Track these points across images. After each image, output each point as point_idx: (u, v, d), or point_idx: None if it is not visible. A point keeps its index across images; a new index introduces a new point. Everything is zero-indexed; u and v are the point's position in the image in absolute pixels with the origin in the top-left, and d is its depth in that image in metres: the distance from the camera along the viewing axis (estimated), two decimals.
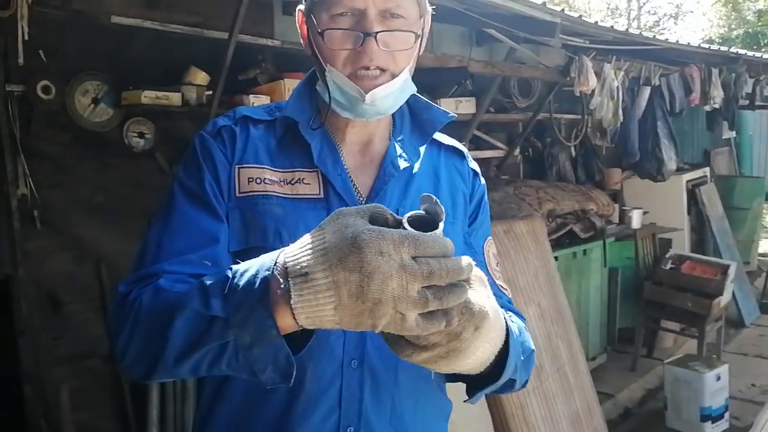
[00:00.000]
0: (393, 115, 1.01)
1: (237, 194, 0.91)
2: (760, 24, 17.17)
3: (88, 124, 2.56)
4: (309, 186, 0.94)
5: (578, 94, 3.76)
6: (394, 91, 0.91)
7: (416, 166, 1.01)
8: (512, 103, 4.17)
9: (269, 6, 2.93)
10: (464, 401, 0.93)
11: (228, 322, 0.69)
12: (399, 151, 1.00)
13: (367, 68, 0.89)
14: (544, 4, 2.53)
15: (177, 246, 0.86)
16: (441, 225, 0.67)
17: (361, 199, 0.96)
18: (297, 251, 0.65)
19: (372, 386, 0.92)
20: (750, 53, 5.07)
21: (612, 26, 3.38)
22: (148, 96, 2.49)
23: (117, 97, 2.58)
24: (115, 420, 2.65)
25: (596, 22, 3.17)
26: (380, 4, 0.87)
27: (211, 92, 2.60)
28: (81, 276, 2.55)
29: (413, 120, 1.04)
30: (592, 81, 3.60)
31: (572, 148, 4.81)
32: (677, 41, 4.10)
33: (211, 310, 0.71)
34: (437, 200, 0.69)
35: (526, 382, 0.95)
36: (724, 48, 4.63)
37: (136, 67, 2.62)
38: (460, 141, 3.91)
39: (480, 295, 0.69)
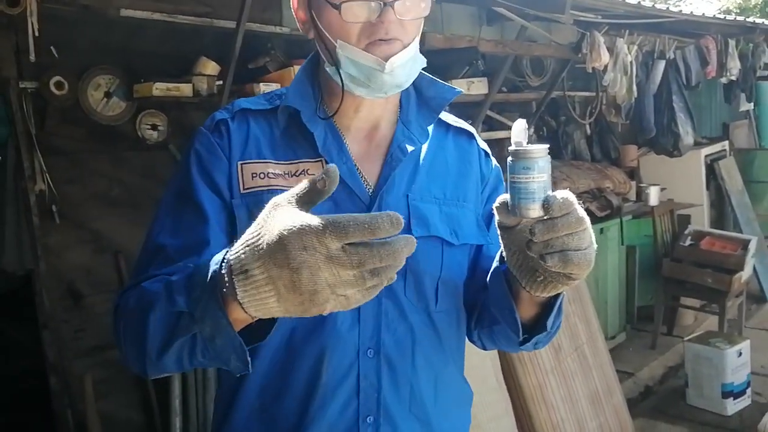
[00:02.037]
0: (400, 96, 0.99)
1: (242, 191, 0.90)
2: None
3: (101, 118, 2.58)
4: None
5: (591, 71, 3.70)
6: (410, 59, 0.90)
7: (424, 147, 1.00)
8: (525, 82, 4.12)
9: None
10: (520, 347, 0.94)
11: (192, 317, 0.72)
12: (407, 133, 0.98)
13: (384, 40, 0.87)
14: None
15: (166, 252, 0.87)
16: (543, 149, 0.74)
17: (369, 187, 0.95)
18: (238, 247, 0.66)
19: (390, 375, 0.92)
20: (767, 22, 4.96)
21: (623, 0, 3.32)
22: (159, 88, 2.50)
23: (129, 90, 2.60)
24: (139, 409, 2.70)
25: None
26: None
27: (221, 82, 2.60)
28: (100, 268, 2.60)
29: (419, 99, 1.02)
30: (605, 57, 3.54)
31: (587, 126, 4.75)
32: (691, 12, 4.02)
33: (175, 306, 0.74)
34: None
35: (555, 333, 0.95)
36: (740, 18, 4.53)
37: (146, 60, 2.63)
38: (474, 122, 3.87)
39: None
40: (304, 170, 0.93)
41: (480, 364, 2.58)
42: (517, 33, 3.66)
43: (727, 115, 6.91)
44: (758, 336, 4.42)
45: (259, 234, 0.64)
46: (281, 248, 0.61)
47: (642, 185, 4.66)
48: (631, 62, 3.79)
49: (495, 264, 0.90)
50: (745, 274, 4.21)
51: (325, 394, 0.90)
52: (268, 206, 0.66)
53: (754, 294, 5.18)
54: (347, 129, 0.97)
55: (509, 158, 0.76)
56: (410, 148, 0.96)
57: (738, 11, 16.58)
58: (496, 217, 0.80)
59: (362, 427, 0.91)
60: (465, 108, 3.95)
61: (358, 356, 0.91)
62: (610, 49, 3.68)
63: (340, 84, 0.90)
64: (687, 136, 4.31)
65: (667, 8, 3.55)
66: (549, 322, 0.88)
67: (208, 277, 0.69)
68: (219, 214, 0.90)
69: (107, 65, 2.56)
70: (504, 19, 3.46)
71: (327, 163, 0.93)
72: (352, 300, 0.63)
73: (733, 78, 4.73)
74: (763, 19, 5.51)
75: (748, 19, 4.57)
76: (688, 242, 4.38)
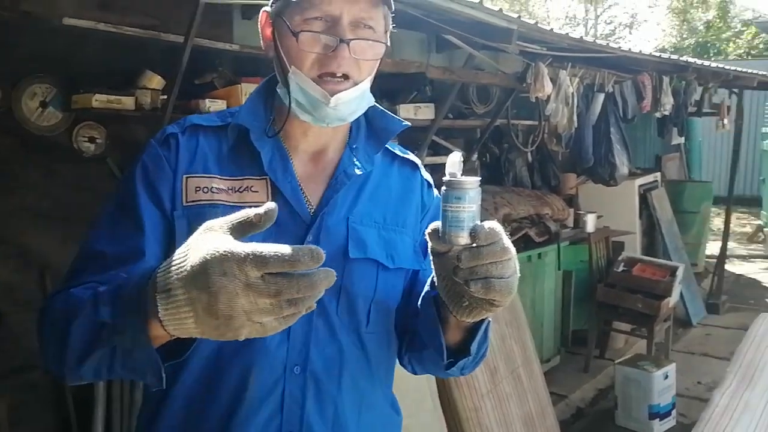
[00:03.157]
0: (350, 124, 1.02)
1: (184, 203, 0.93)
2: (709, 35, 17.82)
3: (35, 128, 2.49)
4: (257, 194, 0.94)
5: (534, 100, 3.83)
6: (357, 98, 0.93)
7: (369, 174, 1.03)
8: (471, 109, 4.22)
9: (228, 10, 2.90)
10: (447, 371, 0.96)
11: (114, 328, 0.74)
12: (353, 159, 1.01)
13: (333, 74, 0.90)
14: (500, 10, 2.58)
15: (100, 259, 0.88)
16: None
17: (311, 207, 0.97)
18: (165, 266, 0.68)
19: (315, 393, 0.94)
20: (699, 61, 5.26)
21: (567, 33, 3.46)
22: (99, 99, 2.43)
23: (67, 100, 2.52)
24: None
25: (551, 29, 3.25)
26: (355, 12, 0.90)
27: (165, 96, 2.56)
28: (24, 286, 2.48)
29: (369, 128, 1.05)
30: (548, 87, 3.68)
31: (529, 154, 4.90)
32: (629, 49, 4.22)
33: (99, 316, 0.75)
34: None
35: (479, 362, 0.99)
36: (674, 56, 4.78)
37: (88, 71, 2.56)
38: (419, 146, 3.92)
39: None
40: (248, 187, 0.95)
41: (416, 386, 2.60)
42: (465, 61, 3.76)
43: (660, 148, 7.27)
44: (684, 359, 4.63)
45: (186, 255, 0.66)
46: (203, 271, 0.63)
47: (580, 212, 4.84)
48: (572, 93, 3.94)
49: (426, 289, 0.93)
50: (673, 299, 4.41)
51: (249, 409, 0.91)
52: (200, 229, 0.68)
53: (681, 318, 5.43)
54: (295, 150, 0.99)
55: (443, 188, 0.80)
56: (356, 173, 0.99)
57: (672, 50, 17.54)
58: (429, 243, 0.83)
59: None
60: (412, 132, 3.99)
61: (285, 372, 0.92)
62: (553, 80, 3.82)
63: (288, 106, 0.93)
64: (623, 166, 4.50)
65: (608, 44, 3.71)
66: (473, 347, 0.91)
67: (135, 292, 0.71)
68: (156, 226, 0.91)
69: (46, 74, 2.48)
70: (453, 47, 3.55)
71: (272, 181, 0.95)
72: (268, 327, 0.64)
73: (667, 113, 4.97)
74: (695, 59, 5.84)
75: (681, 58, 4.82)
76: (621, 268, 4.56)
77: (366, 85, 0.95)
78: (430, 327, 0.91)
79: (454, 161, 0.81)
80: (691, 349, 5.04)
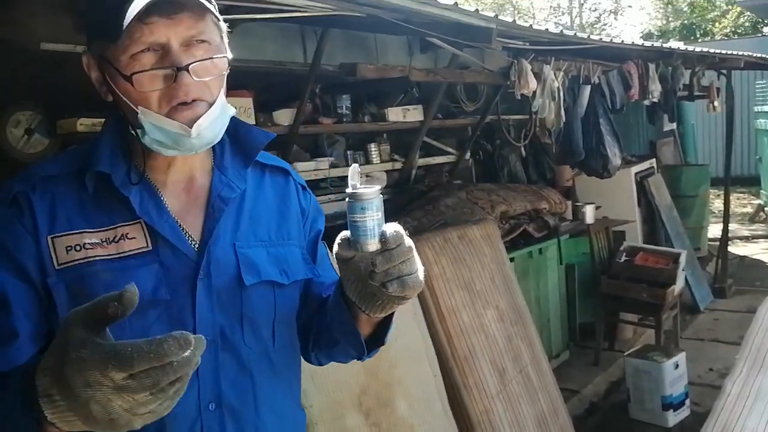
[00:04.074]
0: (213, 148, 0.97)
1: (56, 266, 0.85)
2: (694, 16, 17.86)
3: (22, 156, 2.45)
4: (135, 240, 0.88)
5: (519, 98, 3.81)
6: (216, 117, 0.88)
7: (244, 192, 0.99)
8: (460, 107, 4.20)
9: None
10: (363, 358, 1.02)
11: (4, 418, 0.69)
12: (224, 180, 0.97)
13: (185, 103, 0.85)
14: (476, 11, 2.56)
15: None
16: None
17: (194, 243, 0.92)
18: (40, 369, 0.64)
19: (233, 424, 0.93)
20: (683, 47, 5.24)
21: (547, 29, 3.44)
22: (84, 123, 2.41)
23: (52, 126, 2.49)
24: None
25: (531, 26, 3.23)
26: (182, 33, 0.84)
27: None
28: None
29: (234, 144, 1.00)
30: (532, 83, 3.65)
31: (522, 149, 4.87)
32: (611, 40, 4.20)
33: None
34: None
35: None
36: (657, 44, 4.76)
37: (71, 95, 2.52)
38: (410, 148, 3.90)
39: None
40: (123, 235, 0.88)
41: (425, 391, 2.56)
42: (450, 60, 3.74)
43: (654, 134, 7.24)
44: (694, 346, 4.58)
45: (55, 359, 0.63)
46: (66, 384, 0.61)
47: (578, 204, 4.80)
48: (558, 88, 3.91)
49: (334, 294, 0.96)
50: (678, 286, 4.37)
51: None
52: (62, 325, 0.64)
53: (688, 305, 5.38)
54: (163, 185, 0.94)
55: (347, 200, 0.84)
56: (230, 195, 0.96)
57: (659, 34, 17.57)
58: (335, 250, 0.86)
59: None
60: (402, 135, 3.99)
61: (200, 411, 0.90)
62: (538, 76, 3.80)
63: (145, 148, 0.88)
64: (615, 157, 4.47)
65: (589, 36, 3.68)
66: (387, 337, 0.98)
67: (22, 394, 0.67)
68: (23, 301, 0.83)
69: (28, 100, 2.45)
70: (437, 46, 3.54)
71: (146, 223, 0.89)
72: (161, 410, 0.63)
73: (655, 100, 4.95)
74: (679, 44, 5.82)
75: (665, 45, 4.80)
76: (623, 258, 4.52)
77: (221, 100, 0.89)
78: (345, 327, 0.95)
79: (353, 173, 0.85)
80: (700, 335, 5.00)
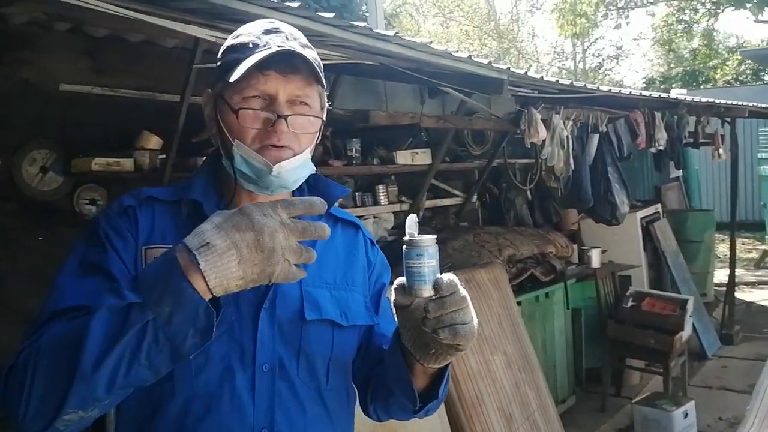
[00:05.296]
0: (293, 192, 1.06)
1: None
2: (696, 63, 18.13)
3: (36, 194, 2.49)
4: None
5: (529, 146, 3.86)
6: (298, 166, 0.98)
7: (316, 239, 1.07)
8: (467, 151, 4.25)
9: None
10: (414, 415, 1.05)
11: (144, 305, 0.77)
12: None
13: (275, 146, 0.96)
14: (489, 63, 2.61)
15: (72, 313, 0.87)
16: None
17: None
18: (192, 235, 0.79)
19: None
20: (689, 98, 5.30)
21: (558, 80, 3.50)
22: (98, 163, 2.45)
23: (66, 164, 2.53)
24: None
25: (542, 77, 3.29)
26: (291, 90, 0.96)
27: (164, 156, 2.57)
28: None
29: (312, 194, 1.09)
30: (542, 132, 3.71)
31: (528, 192, 4.91)
32: (620, 90, 4.27)
33: (126, 299, 0.78)
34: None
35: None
36: (664, 95, 4.83)
37: (86, 134, 2.58)
38: (418, 190, 3.93)
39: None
40: None
41: None
42: (458, 105, 3.80)
43: (658, 179, 7.28)
44: (702, 394, 4.51)
45: (212, 221, 0.79)
46: (244, 216, 0.78)
47: (584, 248, 4.80)
48: (567, 136, 3.97)
49: (391, 342, 0.99)
50: (686, 333, 4.33)
51: None
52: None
53: (695, 351, 5.31)
54: None
55: (404, 247, 0.88)
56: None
57: (661, 80, 17.80)
58: (393, 297, 0.90)
59: None
60: (410, 177, 4.03)
61: None
62: (547, 123, 3.85)
63: (233, 177, 0.99)
64: (623, 205, 4.49)
65: (598, 87, 3.75)
66: (440, 390, 1.00)
67: (165, 263, 0.78)
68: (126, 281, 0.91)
69: (44, 139, 2.50)
70: (445, 92, 3.61)
71: None
72: (292, 270, 0.80)
73: (662, 148, 4.99)
74: (683, 92, 5.90)
75: (672, 95, 4.87)
76: (630, 303, 4.49)
77: (306, 155, 0.99)
78: (399, 376, 0.97)
79: (411, 222, 0.90)
80: (708, 383, 4.92)
